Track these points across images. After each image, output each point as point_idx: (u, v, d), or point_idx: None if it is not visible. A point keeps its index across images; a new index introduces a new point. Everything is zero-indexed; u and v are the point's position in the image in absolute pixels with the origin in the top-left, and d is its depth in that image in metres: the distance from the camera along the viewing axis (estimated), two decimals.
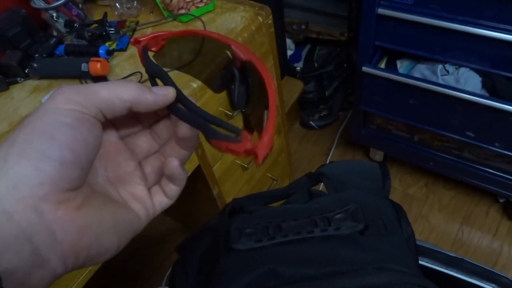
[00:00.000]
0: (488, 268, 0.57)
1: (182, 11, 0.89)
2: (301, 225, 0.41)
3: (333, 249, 0.40)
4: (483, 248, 1.36)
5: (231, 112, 0.92)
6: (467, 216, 1.43)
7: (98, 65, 0.78)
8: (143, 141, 0.34)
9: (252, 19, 0.89)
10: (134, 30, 0.91)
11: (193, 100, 0.32)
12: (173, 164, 0.31)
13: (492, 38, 0.92)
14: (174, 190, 0.33)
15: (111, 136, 0.32)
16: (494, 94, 1.02)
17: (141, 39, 0.33)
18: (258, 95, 0.30)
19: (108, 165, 0.31)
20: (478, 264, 0.57)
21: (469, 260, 0.57)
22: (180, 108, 0.31)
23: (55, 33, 0.91)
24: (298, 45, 1.70)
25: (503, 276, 0.56)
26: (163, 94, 0.30)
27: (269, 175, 1.29)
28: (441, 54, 1.04)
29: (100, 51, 0.82)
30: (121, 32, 0.90)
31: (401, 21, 1.01)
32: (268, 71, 0.28)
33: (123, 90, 0.27)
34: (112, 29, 0.89)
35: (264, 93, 0.27)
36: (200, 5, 0.90)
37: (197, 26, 0.89)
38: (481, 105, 1.00)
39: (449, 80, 1.04)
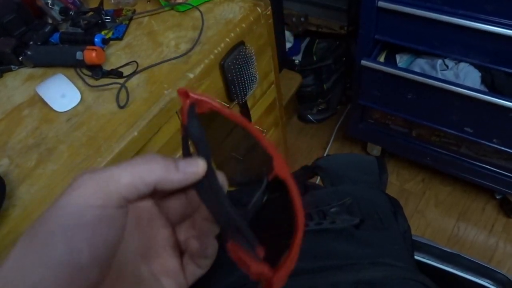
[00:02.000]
0: (483, 264, 0.56)
1: (180, 0, 0.88)
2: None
3: (328, 243, 0.39)
4: (478, 244, 1.36)
5: (228, 104, 0.91)
6: (464, 212, 1.43)
7: (94, 54, 0.77)
8: (178, 204, 0.30)
9: (251, 9, 0.88)
10: (130, 19, 0.90)
11: (221, 179, 0.28)
12: (209, 251, 0.29)
13: (493, 33, 0.91)
14: (207, 261, 0.30)
15: (145, 202, 0.29)
16: (493, 89, 1.01)
17: (192, 94, 0.29)
18: (282, 216, 0.28)
19: (140, 235, 0.28)
20: (474, 260, 0.57)
21: (465, 256, 0.57)
22: (205, 191, 0.28)
23: (50, 21, 0.90)
24: (297, 37, 1.68)
25: (498, 272, 0.55)
26: (192, 173, 0.27)
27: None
28: (440, 49, 1.03)
29: (96, 40, 0.81)
30: (117, 21, 0.89)
31: (401, 14, 1.00)
32: (300, 199, 0.26)
33: (147, 173, 0.25)
34: (108, 17, 0.88)
35: (291, 219, 0.25)
36: None
37: (195, 16, 0.88)
38: (480, 100, 0.99)
39: (449, 75, 1.04)
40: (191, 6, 0.88)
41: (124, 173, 0.24)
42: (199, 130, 0.28)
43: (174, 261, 0.29)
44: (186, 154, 0.29)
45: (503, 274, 0.55)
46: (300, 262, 0.39)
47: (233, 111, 0.28)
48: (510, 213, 1.37)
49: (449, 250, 0.57)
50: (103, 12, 0.87)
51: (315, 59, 1.65)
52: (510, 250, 1.34)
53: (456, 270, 0.54)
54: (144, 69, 0.79)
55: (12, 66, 0.83)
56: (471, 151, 1.25)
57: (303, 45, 1.68)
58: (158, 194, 0.28)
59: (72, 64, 0.80)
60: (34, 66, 0.84)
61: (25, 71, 0.84)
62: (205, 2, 0.90)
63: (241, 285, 0.38)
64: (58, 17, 0.88)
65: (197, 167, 0.27)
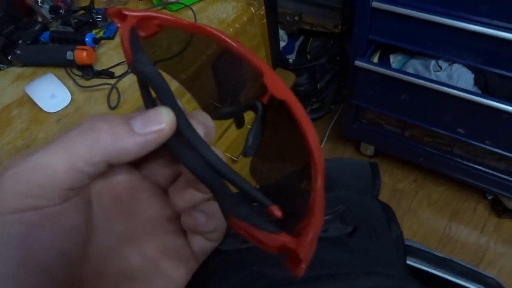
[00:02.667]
0: (474, 269, 0.56)
1: (172, 0, 0.87)
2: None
3: (321, 252, 0.39)
4: (470, 244, 1.37)
5: (220, 105, 0.90)
6: (455, 212, 1.43)
7: (84, 54, 0.76)
8: (163, 162, 0.23)
9: (244, 9, 0.87)
10: None
11: (202, 132, 0.21)
12: (213, 222, 0.22)
13: (486, 35, 0.91)
14: (216, 233, 0.23)
15: (119, 176, 0.22)
16: (486, 91, 1.01)
17: (129, 13, 0.22)
18: (290, 151, 0.22)
19: (121, 217, 0.22)
20: (465, 265, 0.57)
21: (457, 261, 0.57)
22: (181, 148, 0.20)
23: (40, 19, 0.88)
24: (291, 36, 1.67)
25: (488, 276, 0.55)
26: (155, 132, 0.19)
27: None
28: (434, 50, 1.03)
29: (87, 39, 0.80)
30: (108, 20, 0.87)
31: (395, 15, 1.00)
32: (310, 121, 0.19)
33: (88, 150, 0.18)
34: (99, 16, 0.86)
35: (304, 152, 0.19)
36: None
37: (188, 16, 0.87)
38: (473, 102, 0.99)
39: (442, 76, 1.04)
40: (183, 5, 0.87)
41: (57, 159, 0.18)
42: (148, 64, 0.20)
43: (174, 238, 0.23)
44: (149, 103, 0.22)
45: (493, 279, 0.55)
46: None
47: (194, 22, 0.22)
48: (501, 213, 1.38)
49: (441, 255, 0.57)
50: (94, 10, 0.86)
51: (309, 58, 1.64)
52: (501, 250, 1.35)
53: (448, 275, 0.54)
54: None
55: (1, 65, 0.81)
56: (463, 152, 1.25)
57: (297, 44, 1.67)
58: (119, 164, 0.20)
59: (62, 64, 0.79)
60: (23, 66, 0.82)
61: (14, 71, 0.82)
62: (198, 1, 0.89)
63: (248, 284, 0.38)
64: (48, 15, 0.87)
65: (159, 121, 0.19)
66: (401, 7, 0.98)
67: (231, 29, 0.83)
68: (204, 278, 0.41)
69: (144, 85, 0.22)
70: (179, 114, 0.20)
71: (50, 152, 0.18)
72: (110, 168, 0.20)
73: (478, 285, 0.53)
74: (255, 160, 0.25)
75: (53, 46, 0.81)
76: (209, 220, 0.22)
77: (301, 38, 1.68)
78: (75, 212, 0.19)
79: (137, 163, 0.23)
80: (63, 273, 0.18)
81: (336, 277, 0.38)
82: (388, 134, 1.36)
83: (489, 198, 1.42)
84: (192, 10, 0.85)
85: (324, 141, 1.67)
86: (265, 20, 0.93)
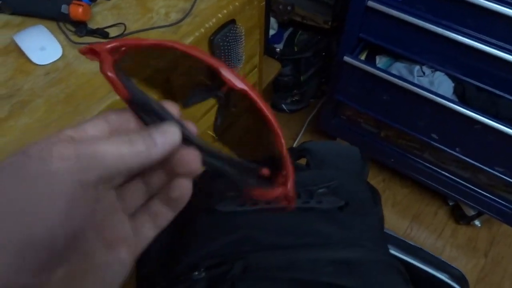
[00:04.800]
0: (442, 260, 0.60)
1: None
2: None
3: (312, 222, 0.41)
4: (427, 246, 1.44)
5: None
6: (417, 215, 1.50)
7: (80, 9, 0.74)
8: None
9: None
10: None
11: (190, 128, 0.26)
12: (187, 187, 0.25)
13: (471, 47, 0.96)
14: (168, 217, 0.27)
15: None
16: (463, 100, 1.07)
17: (105, 47, 0.24)
18: (252, 129, 0.28)
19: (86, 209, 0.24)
20: (433, 255, 0.60)
21: (426, 250, 0.61)
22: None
23: None
24: (281, 26, 1.68)
25: (454, 268, 0.59)
26: (170, 144, 0.24)
27: None
28: (420, 55, 1.07)
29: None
30: None
31: (388, 17, 1.03)
32: (267, 105, 0.26)
33: (130, 153, 0.22)
34: None
35: (266, 130, 0.25)
36: None
37: None
38: (450, 109, 1.04)
39: (424, 81, 1.08)
40: None
41: (110, 151, 0.21)
42: (140, 92, 0.25)
43: (126, 225, 0.26)
44: (149, 121, 0.25)
45: (458, 270, 0.59)
46: (284, 237, 0.40)
47: (152, 40, 0.26)
48: (459, 219, 1.46)
49: (412, 244, 0.60)
50: None
51: (296, 49, 1.66)
52: (455, 254, 1.42)
53: (418, 262, 0.58)
54: (132, 33, 0.77)
55: None
56: (432, 157, 1.31)
57: (286, 34, 1.68)
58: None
59: (54, 17, 0.76)
60: (12, 13, 0.79)
61: (1, 18, 0.79)
62: None
63: (222, 254, 0.39)
64: None
65: (173, 135, 0.24)
66: (394, 9, 1.01)
67: (230, 6, 0.83)
68: (193, 235, 0.42)
69: (135, 108, 0.25)
70: (184, 127, 0.25)
71: (107, 145, 0.22)
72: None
73: (445, 274, 0.57)
74: (229, 138, 0.31)
75: None
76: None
77: (290, 29, 1.69)
78: (92, 202, 0.22)
79: None
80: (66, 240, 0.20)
81: (323, 246, 0.40)
82: (364, 133, 1.41)
83: (450, 204, 1.49)
84: None
85: (300, 133, 1.70)
86: (264, 3, 0.93)
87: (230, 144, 0.30)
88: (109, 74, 0.24)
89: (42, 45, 0.72)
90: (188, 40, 0.77)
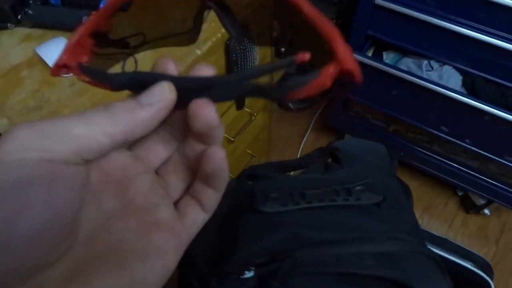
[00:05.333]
0: (467, 249, 0.62)
1: None
2: (324, 193, 0.44)
3: (352, 218, 0.43)
4: None
5: None
6: (428, 206, 1.53)
7: None
8: (156, 141, 0.25)
9: None
10: None
11: (205, 72, 0.24)
12: (219, 156, 0.22)
13: (479, 40, 0.98)
14: (213, 197, 0.24)
15: (111, 153, 0.23)
16: (472, 93, 1.09)
17: (61, 60, 0.24)
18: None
19: (114, 193, 0.22)
20: (459, 244, 0.62)
21: (452, 241, 0.63)
22: (200, 95, 0.22)
23: None
24: (284, 27, 1.70)
25: (479, 256, 0.61)
26: (162, 100, 0.21)
27: (249, 151, 1.30)
28: (428, 50, 1.09)
29: (101, 6, 0.79)
30: None
31: (395, 13, 1.05)
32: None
33: (106, 121, 0.20)
34: None
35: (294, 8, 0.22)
36: None
37: None
38: (459, 102, 1.06)
39: (433, 75, 1.10)
40: None
41: (77, 123, 0.19)
42: (118, 75, 0.24)
43: (167, 210, 0.24)
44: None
45: (482, 257, 0.61)
46: (327, 233, 0.42)
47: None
48: (469, 209, 1.49)
49: (438, 235, 0.63)
50: None
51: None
52: (466, 243, 1.45)
53: (444, 252, 0.60)
54: (151, 41, 0.78)
55: (9, 24, 0.79)
56: (441, 149, 1.33)
57: (289, 34, 1.70)
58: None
59: (74, 29, 0.78)
60: (33, 26, 0.81)
61: (22, 31, 0.80)
62: None
63: (271, 252, 0.41)
64: None
65: (162, 90, 0.22)
66: (402, 6, 1.03)
67: (243, 13, 0.85)
68: (242, 235, 0.44)
69: (132, 88, 0.24)
70: (175, 79, 0.23)
71: (72, 119, 0.20)
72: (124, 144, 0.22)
73: (470, 263, 0.59)
74: None
75: (65, 9, 0.80)
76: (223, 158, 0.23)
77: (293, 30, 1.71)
78: (76, 178, 0.19)
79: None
80: (57, 232, 0.18)
81: (365, 240, 0.42)
82: (373, 127, 1.43)
83: (459, 194, 1.51)
84: None
85: (308, 130, 1.72)
86: (273, 7, 0.95)
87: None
88: (83, 78, 0.24)
89: None
90: (206, 46, 0.79)
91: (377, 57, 1.25)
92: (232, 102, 0.99)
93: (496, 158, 1.16)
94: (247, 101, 1.07)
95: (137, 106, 0.21)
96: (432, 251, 0.43)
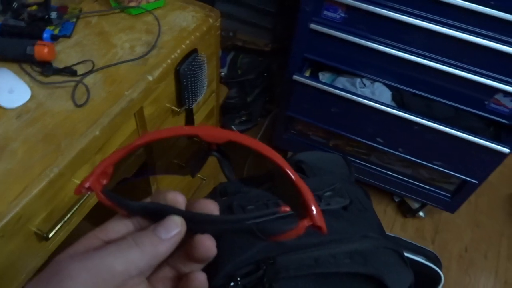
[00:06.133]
0: (418, 245, 0.68)
1: (133, 4, 0.88)
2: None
3: (326, 222, 0.46)
4: None
5: (178, 108, 0.93)
6: None
7: (46, 49, 0.74)
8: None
9: (203, 20, 0.92)
10: (78, 17, 0.87)
11: (209, 208, 0.29)
12: (199, 279, 0.28)
13: (403, 59, 1.09)
14: None
15: None
16: (401, 106, 1.20)
17: (88, 181, 0.28)
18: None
19: None
20: (411, 242, 0.68)
21: (404, 238, 0.69)
22: (203, 226, 0.28)
23: None
24: (224, 51, 1.75)
25: (429, 250, 0.68)
26: (176, 235, 0.26)
27: (199, 175, 1.31)
28: (360, 69, 1.19)
29: (45, 35, 0.77)
30: (64, 18, 0.85)
31: (329, 37, 1.14)
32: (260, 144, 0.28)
33: (139, 256, 0.25)
34: (55, 13, 0.84)
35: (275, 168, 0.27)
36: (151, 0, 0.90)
37: (148, 21, 0.89)
38: (391, 114, 1.17)
39: (366, 92, 1.20)
40: (144, 10, 0.89)
41: (117, 260, 0.24)
42: (138, 204, 0.28)
43: None
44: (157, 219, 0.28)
45: (432, 252, 0.68)
46: (304, 238, 0.45)
47: (126, 146, 0.28)
48: (406, 213, 1.60)
49: (390, 234, 0.68)
50: (50, 7, 0.83)
51: (239, 72, 1.73)
52: None
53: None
54: (101, 68, 0.78)
55: None
56: (378, 160, 1.44)
57: (228, 58, 1.75)
58: None
59: (19, 59, 0.75)
60: None
61: None
62: (157, 7, 0.92)
63: (254, 261, 0.43)
64: None
65: (176, 226, 0.27)
66: (334, 30, 1.12)
67: (192, 37, 0.88)
68: (225, 249, 0.45)
69: (144, 214, 0.29)
70: (184, 213, 0.28)
71: (113, 256, 0.24)
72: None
73: (422, 257, 0.65)
74: None
75: (6, 40, 0.77)
76: (205, 281, 0.28)
77: (232, 53, 1.76)
78: None
79: None
80: None
81: (339, 241, 0.45)
82: (314, 144, 1.50)
83: (396, 200, 1.63)
84: (155, 16, 0.88)
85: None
86: (219, 31, 0.99)
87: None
88: (106, 201, 0.28)
89: (9, 88, 0.71)
90: (157, 71, 0.80)
91: (314, 77, 1.33)
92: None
93: (426, 164, 1.28)
94: (197, 123, 1.08)
95: (159, 241, 0.26)
96: (394, 244, 0.47)
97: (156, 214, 0.27)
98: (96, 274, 0.23)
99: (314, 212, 0.27)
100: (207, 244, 0.27)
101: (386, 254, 0.46)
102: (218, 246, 0.46)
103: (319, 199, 0.47)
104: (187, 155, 0.34)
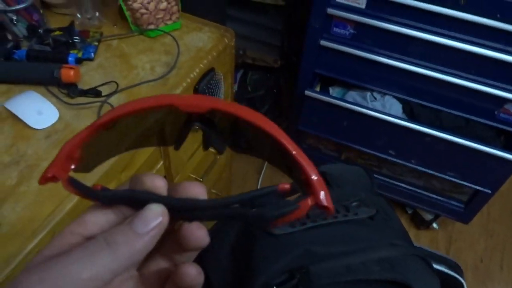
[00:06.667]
0: (438, 253, 0.69)
1: (151, 27, 0.92)
2: (325, 212, 0.48)
3: (353, 231, 0.48)
4: None
5: (197, 126, 0.95)
6: None
7: (72, 72, 0.77)
8: None
9: (219, 39, 0.95)
10: (99, 41, 0.91)
11: (197, 192, 0.25)
12: (191, 273, 0.24)
13: (411, 71, 1.12)
14: None
15: None
16: (412, 118, 1.22)
17: (52, 169, 0.24)
18: (251, 139, 0.27)
19: None
20: (431, 250, 0.69)
21: (425, 248, 0.70)
22: (190, 213, 0.24)
23: (9, 37, 0.86)
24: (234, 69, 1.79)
25: (449, 259, 0.69)
26: (157, 226, 0.23)
27: (214, 191, 1.32)
28: (370, 83, 1.22)
29: (70, 58, 0.81)
30: (86, 42, 0.89)
31: (339, 52, 1.17)
32: (249, 111, 0.24)
33: (110, 258, 0.21)
34: (77, 37, 0.88)
35: (264, 136, 0.24)
36: (169, 22, 0.94)
37: (166, 42, 0.93)
38: (402, 126, 1.19)
39: (377, 105, 1.22)
40: (162, 32, 0.93)
41: (84, 267, 0.21)
42: (111, 192, 0.24)
43: None
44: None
45: (452, 260, 0.69)
46: (334, 247, 0.47)
47: (90, 125, 0.25)
48: (419, 225, 1.61)
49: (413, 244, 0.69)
50: (73, 32, 0.87)
51: (249, 89, 1.77)
52: None
53: None
54: (124, 89, 0.81)
55: None
56: (390, 172, 1.45)
57: (238, 75, 1.79)
58: None
59: (44, 82, 0.78)
60: None
61: None
62: (174, 30, 0.95)
63: (288, 270, 0.44)
64: (21, 33, 0.85)
65: (156, 216, 0.23)
66: (344, 45, 1.15)
67: (209, 56, 0.91)
68: (257, 259, 0.47)
69: (123, 203, 0.25)
70: (166, 200, 0.24)
71: (79, 263, 0.21)
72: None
73: (444, 266, 0.66)
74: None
75: (32, 64, 0.80)
76: (198, 274, 0.25)
77: (241, 71, 1.80)
78: None
79: None
80: None
81: (367, 249, 0.47)
82: (325, 157, 1.52)
83: (409, 212, 1.64)
84: (173, 37, 0.91)
85: (265, 166, 1.78)
86: (234, 50, 1.02)
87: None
88: (74, 191, 0.25)
89: (38, 110, 0.74)
90: (178, 91, 0.83)
91: (324, 92, 1.36)
92: (199, 143, 1.01)
93: (439, 174, 1.29)
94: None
95: (135, 237, 0.22)
96: (421, 251, 0.49)
97: (136, 203, 0.24)
98: (56, 286, 0.20)
99: (319, 191, 0.22)
100: (197, 235, 0.24)
101: (414, 261, 0.47)
102: (251, 256, 0.47)
103: (346, 210, 0.48)
104: (165, 127, 0.29)
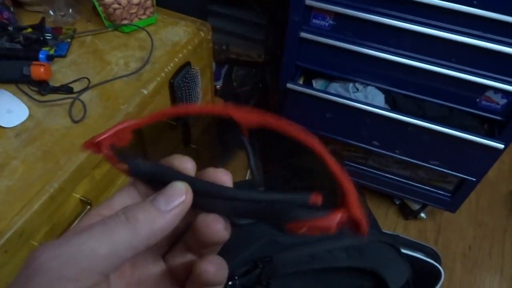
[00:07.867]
0: (416, 241, 0.69)
1: (125, 22, 0.91)
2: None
3: None
4: None
5: (174, 122, 0.94)
6: None
7: (42, 69, 0.76)
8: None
9: (195, 33, 0.94)
10: (72, 38, 0.90)
11: (222, 178, 0.24)
12: (209, 271, 0.23)
13: (392, 61, 1.11)
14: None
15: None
16: (394, 108, 1.21)
17: (98, 138, 0.24)
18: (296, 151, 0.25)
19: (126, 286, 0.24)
20: (409, 238, 0.69)
21: (402, 235, 0.69)
22: (211, 203, 0.23)
23: None
24: (218, 64, 1.78)
25: (427, 246, 0.69)
26: (180, 204, 0.22)
27: None
28: (352, 74, 1.21)
29: (41, 56, 0.80)
30: (59, 39, 0.87)
31: (319, 44, 1.16)
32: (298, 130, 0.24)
33: (130, 234, 0.20)
34: (49, 35, 0.86)
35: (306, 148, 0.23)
36: (143, 17, 0.93)
37: (140, 37, 0.91)
38: (385, 117, 1.18)
39: (359, 96, 1.22)
40: (137, 27, 0.91)
41: (101, 244, 0.20)
42: (142, 163, 0.24)
43: None
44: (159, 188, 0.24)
45: (431, 248, 0.69)
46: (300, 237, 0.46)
47: (155, 113, 0.26)
48: (407, 215, 1.61)
49: (389, 232, 0.69)
50: (44, 29, 0.86)
51: (234, 85, 1.76)
52: None
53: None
54: (96, 85, 0.80)
55: None
56: (376, 163, 1.45)
57: (223, 71, 1.78)
58: None
59: (15, 80, 0.77)
60: None
61: None
62: (149, 24, 0.94)
63: (252, 260, 0.44)
64: None
65: (180, 194, 0.22)
66: (324, 37, 1.14)
67: (184, 51, 0.90)
68: (223, 249, 0.46)
69: (148, 179, 0.25)
70: (192, 180, 0.23)
71: (96, 239, 0.20)
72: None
73: (421, 253, 0.66)
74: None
75: (2, 62, 0.79)
76: (219, 270, 0.24)
77: (226, 66, 1.79)
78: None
79: None
80: None
81: (333, 237, 0.46)
82: None
83: (397, 203, 1.64)
84: (147, 32, 0.90)
85: None
86: (211, 44, 1.01)
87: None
88: (105, 154, 0.25)
89: (7, 108, 0.73)
90: (152, 85, 0.82)
91: (307, 85, 1.35)
92: (180, 139, 1.01)
93: (424, 164, 1.29)
94: (194, 136, 1.10)
95: (157, 215, 0.21)
96: (390, 238, 0.48)
97: (161, 182, 0.23)
98: (71, 263, 0.19)
99: (354, 203, 0.21)
100: (215, 228, 0.23)
101: (381, 247, 0.47)
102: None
103: None
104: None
